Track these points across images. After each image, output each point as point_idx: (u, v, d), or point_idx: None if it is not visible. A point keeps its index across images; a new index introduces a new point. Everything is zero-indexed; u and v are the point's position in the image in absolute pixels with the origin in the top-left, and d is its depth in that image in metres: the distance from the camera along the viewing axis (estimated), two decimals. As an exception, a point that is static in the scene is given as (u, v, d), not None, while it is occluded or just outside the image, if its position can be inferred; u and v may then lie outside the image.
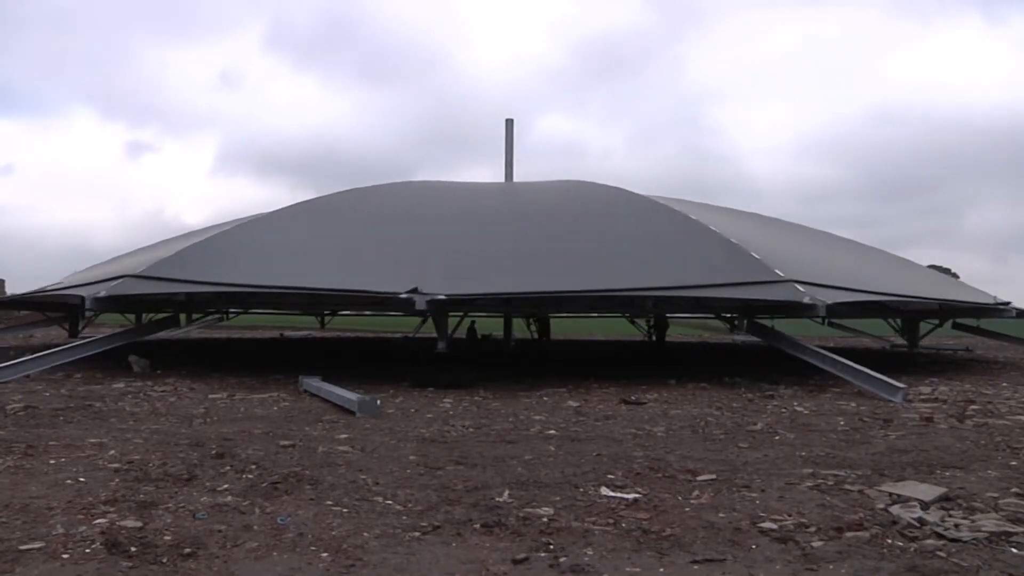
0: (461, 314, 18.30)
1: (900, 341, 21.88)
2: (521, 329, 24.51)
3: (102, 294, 12.21)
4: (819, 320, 24.00)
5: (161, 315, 16.65)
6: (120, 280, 12.81)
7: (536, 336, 24.10)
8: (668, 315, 20.18)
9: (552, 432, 7.21)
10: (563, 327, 29.17)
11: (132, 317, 20.86)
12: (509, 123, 21.06)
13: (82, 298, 12.35)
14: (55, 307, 20.49)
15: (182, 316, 18.06)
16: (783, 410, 8.84)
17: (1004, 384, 12.19)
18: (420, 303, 10.59)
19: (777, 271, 11.75)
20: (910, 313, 19.31)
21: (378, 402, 8.34)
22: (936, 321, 20.08)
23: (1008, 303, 16.31)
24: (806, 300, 10.96)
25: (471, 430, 7.31)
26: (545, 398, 9.77)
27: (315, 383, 9.89)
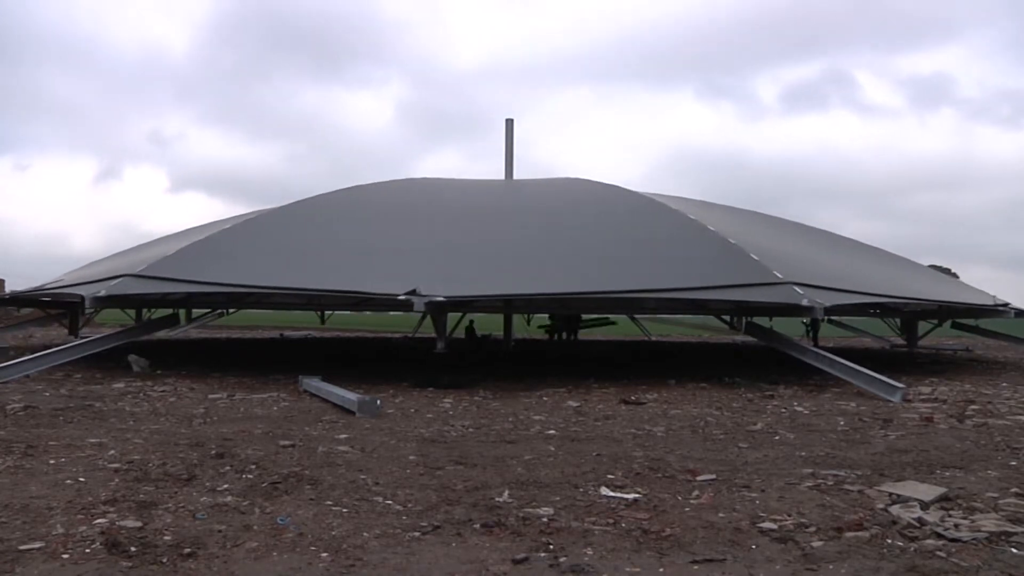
0: (461, 313, 18.28)
1: (900, 341, 21.88)
2: (521, 330, 24.53)
3: (102, 293, 12.19)
4: (820, 319, 24.02)
5: (160, 312, 16.64)
6: (120, 279, 12.80)
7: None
8: (667, 315, 20.21)
9: (552, 432, 7.21)
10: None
11: (133, 315, 20.87)
12: (509, 123, 21.21)
13: (82, 297, 12.35)
14: (55, 305, 20.53)
15: (182, 313, 18.03)
16: (783, 410, 8.85)
17: (1004, 384, 12.19)
18: (419, 305, 10.57)
19: (776, 273, 11.71)
20: (909, 314, 19.30)
21: (378, 402, 8.34)
22: (935, 321, 20.07)
23: (1007, 304, 16.30)
24: (804, 302, 10.94)
25: (471, 430, 7.31)
26: (545, 398, 9.77)
27: (315, 383, 9.88)
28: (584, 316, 22.80)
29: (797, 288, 11.30)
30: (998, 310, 16.20)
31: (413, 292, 10.62)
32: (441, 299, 10.70)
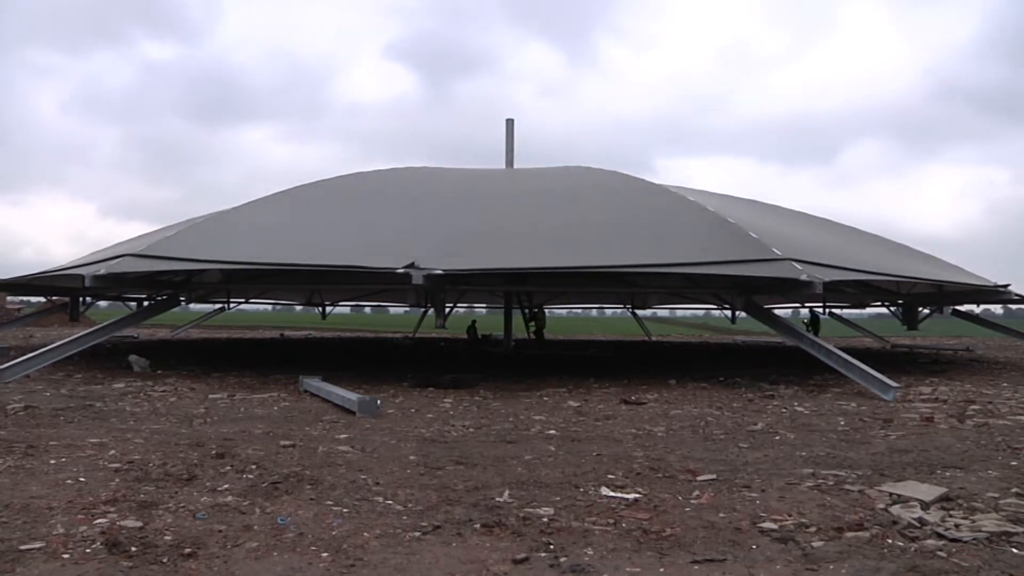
0: (455, 303, 18.22)
1: (901, 342, 21.85)
2: (520, 330, 24.56)
3: (102, 271, 12.12)
4: (820, 310, 24.01)
5: (160, 297, 16.56)
6: (120, 259, 12.72)
7: (534, 335, 24.01)
8: (671, 307, 20.08)
9: (552, 432, 7.21)
10: (564, 327, 29.17)
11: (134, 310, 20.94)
12: (510, 123, 21.64)
13: (82, 277, 12.27)
14: (57, 291, 20.65)
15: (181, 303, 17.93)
16: (783, 410, 8.84)
17: (1004, 384, 12.19)
18: (417, 278, 10.55)
19: (774, 249, 11.61)
20: (908, 296, 19.18)
21: (378, 402, 8.34)
22: (935, 308, 19.89)
23: (1007, 285, 16.14)
24: (803, 277, 10.77)
25: (471, 430, 7.31)
26: (545, 398, 9.77)
27: (315, 383, 9.89)
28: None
29: (796, 264, 11.16)
30: (998, 292, 16.07)
31: (411, 265, 10.62)
32: (439, 272, 10.68)
